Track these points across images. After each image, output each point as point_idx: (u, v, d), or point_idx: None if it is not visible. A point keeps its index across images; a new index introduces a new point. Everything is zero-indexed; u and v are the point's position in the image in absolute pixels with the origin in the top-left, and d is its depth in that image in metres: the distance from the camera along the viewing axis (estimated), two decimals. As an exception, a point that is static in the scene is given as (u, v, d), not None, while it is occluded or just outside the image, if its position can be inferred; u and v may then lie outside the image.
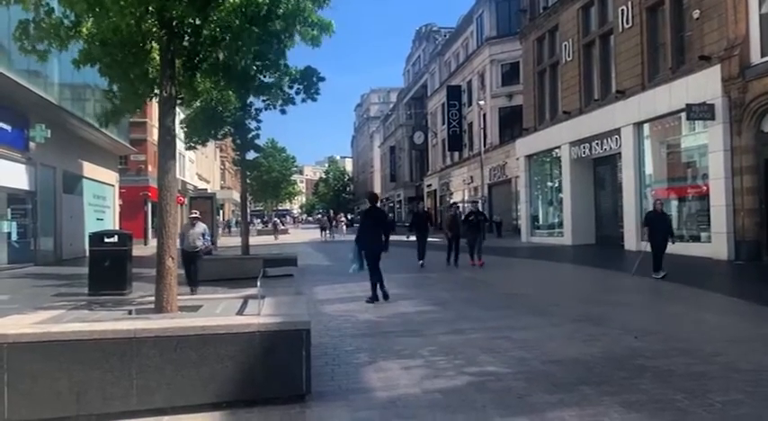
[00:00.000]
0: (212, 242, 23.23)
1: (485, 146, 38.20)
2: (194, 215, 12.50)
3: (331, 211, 50.24)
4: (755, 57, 15.49)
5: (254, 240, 23.70)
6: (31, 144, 19.43)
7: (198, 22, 6.57)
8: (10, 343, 4.58)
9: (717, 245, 16.36)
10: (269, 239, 38.25)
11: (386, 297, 10.42)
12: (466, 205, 31.14)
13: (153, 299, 6.61)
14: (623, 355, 6.24)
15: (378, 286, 10.41)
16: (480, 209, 18.28)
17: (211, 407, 4.78)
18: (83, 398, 4.63)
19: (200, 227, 12.20)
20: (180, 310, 6.23)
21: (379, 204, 11.83)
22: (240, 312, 5.99)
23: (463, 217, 17.71)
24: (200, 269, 12.11)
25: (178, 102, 7.13)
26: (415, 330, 7.93)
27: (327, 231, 38.79)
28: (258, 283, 5.85)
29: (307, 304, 6.34)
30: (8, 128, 18.25)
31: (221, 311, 6.16)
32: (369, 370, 5.98)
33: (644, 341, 6.90)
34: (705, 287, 11.46)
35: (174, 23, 6.26)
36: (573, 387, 5.18)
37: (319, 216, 55.68)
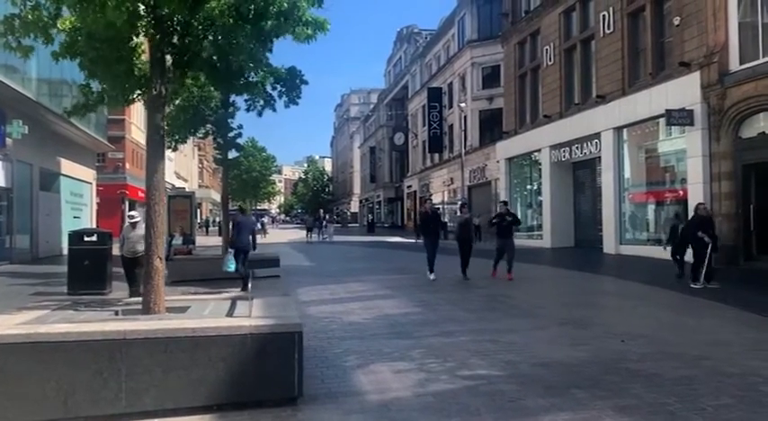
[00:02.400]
0: (192, 241, 22.95)
1: (465, 148, 38.32)
2: (134, 219, 11.03)
3: (321, 211, 49.82)
4: (734, 64, 15.76)
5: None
6: (8, 140, 19.01)
7: (186, 19, 6.46)
8: (-5, 344, 4.47)
9: (694, 249, 16.55)
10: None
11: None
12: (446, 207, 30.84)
13: (137, 299, 6.51)
14: (611, 359, 6.29)
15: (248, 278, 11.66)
16: (510, 209, 15.37)
17: (202, 410, 4.72)
18: (70, 400, 4.54)
19: (143, 229, 11.38)
20: (168, 311, 6.13)
21: (248, 214, 14.72)
22: (230, 314, 5.91)
23: (494, 219, 14.71)
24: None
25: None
26: (402, 332, 7.91)
27: (313, 232, 38.28)
28: (249, 285, 5.78)
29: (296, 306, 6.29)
30: (-17, 123, 17.88)
31: (210, 312, 6.07)
32: (359, 373, 5.94)
33: (630, 344, 6.96)
34: (685, 291, 11.62)
35: (165, 21, 6.16)
36: (564, 390, 5.20)
37: (305, 215, 54.72)
